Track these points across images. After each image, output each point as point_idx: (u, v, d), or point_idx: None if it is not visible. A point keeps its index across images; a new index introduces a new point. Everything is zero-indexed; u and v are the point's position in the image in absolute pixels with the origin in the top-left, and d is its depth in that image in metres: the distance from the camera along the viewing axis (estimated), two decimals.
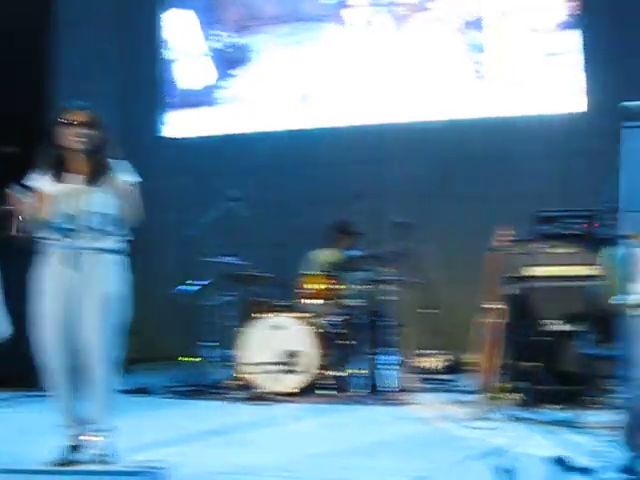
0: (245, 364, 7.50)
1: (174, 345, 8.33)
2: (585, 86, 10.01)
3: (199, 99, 11.58)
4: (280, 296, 8.13)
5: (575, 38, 10.11)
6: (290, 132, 10.91)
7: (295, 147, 10.69)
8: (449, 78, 10.64)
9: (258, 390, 7.24)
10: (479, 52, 10.52)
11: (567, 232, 6.92)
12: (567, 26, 10.16)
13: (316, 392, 7.44)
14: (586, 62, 10.02)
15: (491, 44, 10.45)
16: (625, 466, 4.48)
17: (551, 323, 6.77)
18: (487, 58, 10.46)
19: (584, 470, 4.49)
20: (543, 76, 10.25)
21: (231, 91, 11.44)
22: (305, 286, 8.03)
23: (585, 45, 10.03)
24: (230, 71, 11.46)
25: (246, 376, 7.51)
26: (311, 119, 11.03)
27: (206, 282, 8.09)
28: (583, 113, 9.95)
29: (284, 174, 10.63)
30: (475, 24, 10.52)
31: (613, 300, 4.55)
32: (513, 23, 10.37)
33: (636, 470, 3.60)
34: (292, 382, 7.43)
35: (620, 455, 4.50)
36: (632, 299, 4.40)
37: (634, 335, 4.47)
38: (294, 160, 10.62)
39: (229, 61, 11.49)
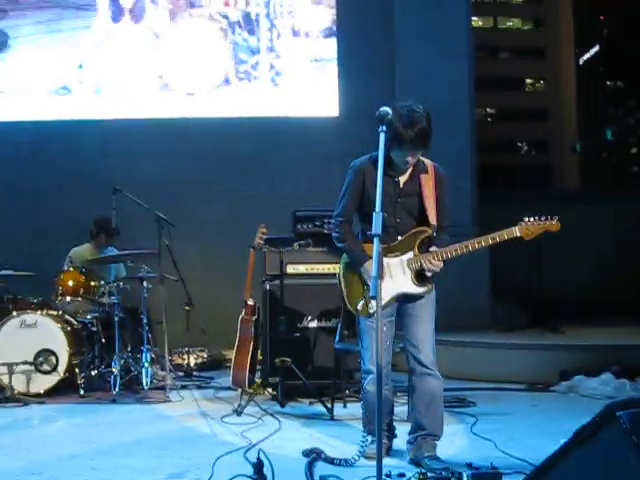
0: None
1: None
2: (338, 92, 10.45)
3: None
4: (36, 293, 7.83)
5: (332, 46, 10.54)
6: (50, 122, 10.53)
7: (51, 138, 10.34)
8: (216, 76, 10.81)
9: (8, 391, 6.92)
10: (246, 52, 10.72)
11: (321, 231, 7.16)
12: (327, 34, 10.59)
13: (68, 392, 7.23)
14: (339, 69, 10.46)
15: (256, 45, 10.69)
16: (364, 452, 4.74)
17: (305, 319, 6.98)
18: (253, 59, 10.67)
19: (335, 461, 4.70)
20: (303, 80, 10.62)
21: None
22: (62, 283, 7.78)
23: (339, 53, 10.48)
24: None
25: None
26: (72, 110, 10.70)
27: None
28: (336, 118, 10.36)
29: (39, 166, 10.27)
30: (244, 25, 10.70)
31: (347, 305, 4.85)
32: (280, 26, 10.68)
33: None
34: (43, 382, 7.17)
35: (363, 442, 4.76)
36: (360, 305, 4.69)
37: (364, 333, 4.80)
38: (50, 152, 10.29)
39: None
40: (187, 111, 10.71)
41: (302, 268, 7.14)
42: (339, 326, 6.06)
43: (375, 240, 3.85)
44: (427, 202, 4.69)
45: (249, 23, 10.88)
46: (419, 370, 4.72)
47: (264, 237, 7.03)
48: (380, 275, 4.56)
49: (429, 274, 4.64)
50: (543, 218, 4.59)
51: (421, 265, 4.62)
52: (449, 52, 9.92)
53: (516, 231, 4.60)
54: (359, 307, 4.74)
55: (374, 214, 3.86)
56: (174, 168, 10.25)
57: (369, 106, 4.68)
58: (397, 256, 4.68)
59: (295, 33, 10.83)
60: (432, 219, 4.68)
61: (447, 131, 9.46)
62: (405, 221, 4.70)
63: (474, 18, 11.30)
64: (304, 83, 10.67)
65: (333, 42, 10.67)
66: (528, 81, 52.52)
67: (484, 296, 9.56)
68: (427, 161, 4.82)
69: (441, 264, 4.61)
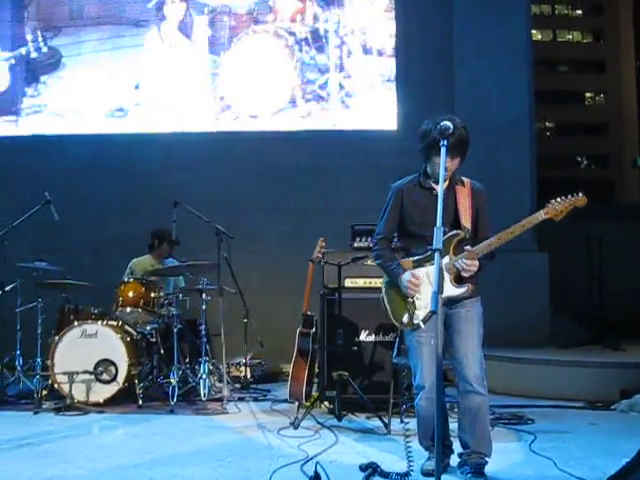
0: (56, 373, 7.27)
1: None
2: (396, 106, 10.44)
3: (4, 107, 11.04)
4: (96, 303, 7.96)
5: (387, 63, 10.53)
6: (108, 136, 10.69)
7: (113, 152, 10.49)
8: (281, 97, 10.71)
9: (68, 400, 7.03)
10: (314, 71, 10.67)
11: None
12: (380, 51, 10.57)
13: (127, 401, 7.31)
14: (398, 83, 10.47)
15: (323, 62, 10.65)
16: (422, 468, 4.74)
17: (363, 333, 6.97)
18: (322, 78, 10.63)
19: (391, 476, 4.68)
20: (367, 96, 10.58)
21: (42, 98, 10.99)
22: (122, 294, 7.89)
23: (398, 66, 10.49)
24: (43, 77, 11.01)
25: (56, 385, 7.28)
26: (131, 124, 10.84)
27: (11, 287, 7.73)
28: (394, 131, 10.36)
29: (101, 180, 10.42)
30: (309, 42, 10.65)
31: (392, 320, 4.83)
32: (348, 44, 10.62)
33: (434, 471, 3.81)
34: (102, 391, 7.27)
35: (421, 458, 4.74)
36: (406, 319, 4.67)
37: (412, 349, 4.78)
38: (112, 165, 10.43)
39: (40, 65, 11.02)
40: (249, 125, 10.73)
41: (360, 282, 7.14)
42: (397, 340, 6.04)
43: (436, 255, 3.88)
44: (461, 209, 4.72)
45: (318, 40, 10.71)
46: (462, 387, 4.68)
47: (323, 250, 7.04)
48: (413, 288, 4.57)
49: (465, 274, 4.60)
50: (569, 196, 4.51)
51: (456, 268, 4.58)
52: (509, 66, 9.86)
53: (542, 214, 4.52)
54: (404, 320, 4.72)
55: (435, 229, 3.92)
56: (233, 181, 10.32)
57: (424, 123, 4.69)
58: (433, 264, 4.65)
59: (367, 51, 10.65)
60: (464, 222, 4.67)
61: (507, 145, 9.43)
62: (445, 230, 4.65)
63: (533, 31, 11.23)
64: (366, 98, 10.63)
65: (386, 60, 10.63)
66: (588, 94, 51.86)
67: (543, 312, 9.44)
68: (465, 178, 4.85)
69: (475, 263, 4.55)
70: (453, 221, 4.70)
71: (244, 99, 10.75)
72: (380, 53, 10.60)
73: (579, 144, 48.93)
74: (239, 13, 10.75)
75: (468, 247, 4.58)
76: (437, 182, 4.56)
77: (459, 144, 4.54)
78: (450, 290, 4.56)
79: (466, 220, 4.67)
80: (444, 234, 4.31)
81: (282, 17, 10.70)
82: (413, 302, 4.66)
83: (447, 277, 4.58)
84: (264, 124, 10.64)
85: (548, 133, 49.26)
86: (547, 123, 49.08)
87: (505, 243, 4.54)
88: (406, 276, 4.66)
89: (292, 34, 10.67)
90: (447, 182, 4.73)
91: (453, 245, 4.64)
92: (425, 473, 4.72)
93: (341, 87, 10.60)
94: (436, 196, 4.27)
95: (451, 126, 4.31)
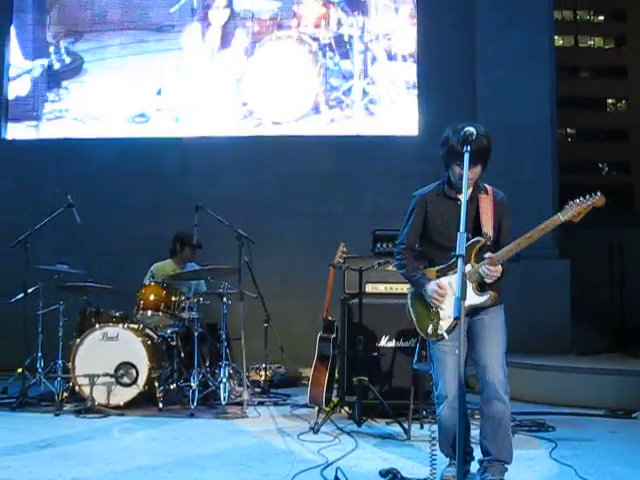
0: (77, 375, 7.31)
1: (10, 356, 8.01)
2: (417, 111, 10.44)
3: (25, 112, 11.15)
4: (117, 306, 7.99)
5: (411, 69, 10.53)
6: (130, 140, 10.75)
7: (135, 156, 10.55)
8: (305, 103, 10.73)
9: (89, 402, 7.06)
10: (338, 77, 10.67)
11: None
12: (405, 57, 10.56)
13: (147, 404, 7.34)
14: (420, 88, 10.47)
15: (347, 68, 10.64)
16: (443, 474, 4.73)
17: (383, 339, 6.97)
18: (346, 85, 10.62)
19: None
20: (390, 102, 10.59)
21: (64, 103, 11.09)
22: (143, 297, 7.92)
23: (419, 72, 10.49)
24: (65, 82, 11.11)
25: (77, 388, 7.32)
26: (152, 130, 10.89)
27: (33, 290, 7.77)
28: (415, 137, 10.37)
29: (122, 183, 10.48)
30: (333, 47, 10.64)
31: (418, 331, 4.81)
32: (372, 50, 10.61)
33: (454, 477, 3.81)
34: (123, 394, 7.30)
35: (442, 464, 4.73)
36: (430, 329, 4.65)
37: (436, 359, 4.77)
38: (134, 169, 10.49)
39: (62, 70, 11.14)
40: (267, 130, 10.76)
41: (381, 287, 7.14)
42: (417, 346, 6.03)
43: (459, 261, 3.87)
44: (483, 217, 4.67)
45: (342, 46, 10.70)
46: (485, 394, 4.65)
47: (344, 256, 7.04)
48: (438, 299, 4.56)
49: (489, 281, 4.57)
50: (587, 196, 4.48)
51: (479, 274, 4.56)
52: (531, 72, 9.84)
53: (560, 217, 4.49)
54: (429, 331, 4.70)
55: (458, 234, 3.90)
56: (254, 185, 10.35)
57: (449, 125, 4.67)
58: (457, 272, 4.63)
59: (391, 57, 10.66)
60: (486, 229, 4.63)
61: (529, 151, 9.40)
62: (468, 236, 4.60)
63: (555, 37, 11.21)
64: (389, 104, 10.63)
65: (407, 66, 10.62)
66: (609, 101, 51.62)
67: (565, 319, 9.40)
68: (488, 186, 4.80)
69: (499, 268, 4.52)
70: (474, 229, 4.67)
71: (267, 105, 10.80)
72: (404, 59, 10.59)
73: (600, 150, 48.70)
74: (262, 18, 10.78)
75: (489, 254, 4.56)
76: (460, 192, 4.52)
77: (480, 152, 4.49)
78: (473, 299, 4.52)
79: (488, 227, 4.64)
80: (467, 241, 4.29)
81: (306, 22, 10.70)
82: (437, 312, 4.64)
83: (469, 285, 4.52)
84: (287, 131, 10.66)
85: (569, 139, 49.05)
86: (568, 129, 48.88)
87: (525, 248, 4.51)
88: (431, 286, 4.63)
89: (316, 40, 10.67)
90: (470, 191, 4.71)
91: (475, 252, 4.62)
92: None
93: (365, 93, 10.60)
94: (460, 206, 4.22)
95: (474, 132, 4.28)
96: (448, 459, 4.85)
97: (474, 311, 4.62)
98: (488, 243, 4.63)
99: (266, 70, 10.76)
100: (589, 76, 50.44)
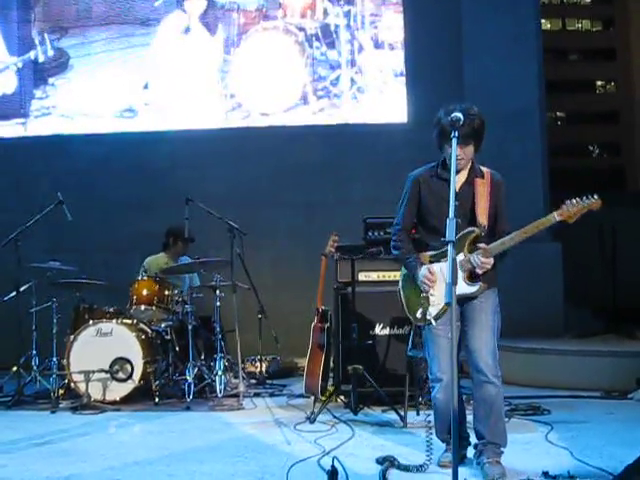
0: (72, 372, 7.30)
1: (4, 354, 8.00)
2: (406, 98, 10.43)
3: (12, 109, 11.09)
4: (111, 302, 7.99)
5: (399, 56, 10.51)
6: (119, 135, 10.72)
7: (123, 151, 10.52)
8: (293, 94, 10.69)
9: (85, 398, 7.06)
10: (322, 64, 10.64)
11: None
12: (392, 45, 10.53)
13: (143, 399, 7.35)
14: (407, 76, 10.46)
15: (334, 57, 10.62)
16: (439, 460, 4.75)
17: (377, 327, 6.98)
18: (334, 75, 10.60)
19: (408, 468, 4.69)
20: (376, 89, 10.57)
21: (51, 100, 11.04)
22: (136, 292, 7.91)
23: (407, 59, 10.47)
24: (51, 79, 11.04)
25: (73, 384, 7.32)
26: (140, 124, 10.85)
27: (26, 288, 7.75)
28: (404, 124, 10.36)
29: (112, 178, 10.46)
30: (319, 37, 10.60)
31: (407, 314, 4.83)
32: (359, 39, 10.58)
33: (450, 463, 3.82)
34: (118, 390, 7.30)
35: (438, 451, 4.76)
36: (419, 314, 4.66)
37: (429, 341, 4.79)
38: (123, 164, 10.47)
39: (48, 67, 11.06)
40: (255, 121, 10.73)
41: (374, 275, 7.15)
42: (411, 333, 6.04)
43: (449, 247, 3.89)
44: (478, 204, 4.65)
45: (328, 35, 10.63)
46: (477, 378, 4.66)
47: (335, 245, 7.04)
48: (428, 284, 4.56)
49: (479, 271, 4.58)
50: (584, 198, 4.47)
51: (471, 264, 4.56)
52: (518, 55, 9.83)
53: (555, 217, 4.47)
54: (418, 316, 4.71)
55: (447, 220, 3.90)
56: (244, 176, 10.33)
57: (438, 111, 4.67)
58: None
59: (378, 45, 10.58)
60: (481, 219, 4.62)
61: (518, 135, 9.40)
62: (460, 225, 4.59)
63: (542, 21, 11.18)
64: (377, 92, 10.61)
65: (394, 53, 10.60)
66: (598, 83, 51.65)
67: (557, 302, 9.42)
68: (484, 168, 4.79)
69: (490, 260, 4.53)
70: (470, 215, 4.66)
71: (254, 97, 10.75)
72: (392, 47, 10.55)
73: (590, 133, 48.76)
74: (248, 10, 10.73)
75: (483, 244, 4.56)
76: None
77: (471, 132, 4.48)
78: (463, 288, 4.53)
79: (482, 216, 4.63)
80: (459, 229, 4.27)
81: (292, 13, 10.63)
82: (427, 298, 4.64)
83: (460, 275, 4.53)
84: (275, 122, 10.63)
85: (559, 122, 49.09)
86: (558, 112, 48.91)
87: (518, 243, 4.51)
88: (423, 271, 4.64)
89: (302, 30, 10.61)
90: (466, 173, 4.70)
91: (468, 242, 4.61)
92: (442, 465, 4.72)
93: (352, 82, 10.57)
94: None
95: (461, 117, 4.26)
96: (444, 445, 4.86)
97: (463, 300, 4.62)
98: (482, 234, 4.62)
99: (253, 61, 10.71)
100: (577, 59, 50.46)
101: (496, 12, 9.88)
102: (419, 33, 10.39)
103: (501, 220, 4.74)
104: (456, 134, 4.22)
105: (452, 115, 4.29)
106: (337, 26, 10.60)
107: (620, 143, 49.15)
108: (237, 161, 10.39)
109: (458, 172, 4.51)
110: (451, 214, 3.94)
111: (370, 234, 7.32)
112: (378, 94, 10.56)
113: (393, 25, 10.55)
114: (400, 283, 4.89)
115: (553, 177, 10.44)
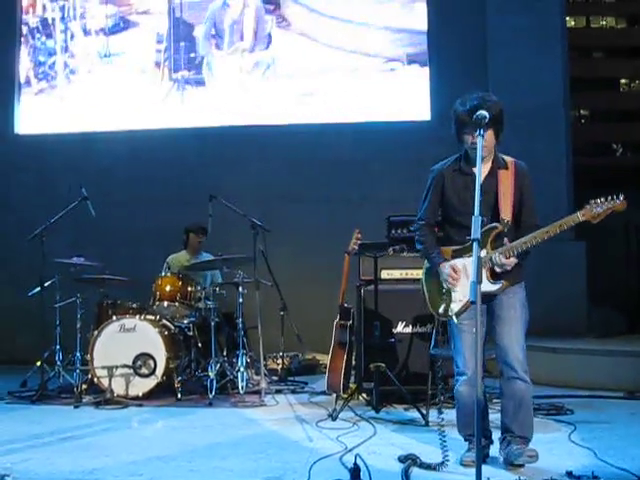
0: (95, 367, 7.34)
1: (28, 349, 8.07)
2: (429, 96, 10.41)
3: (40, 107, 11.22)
4: (134, 298, 8.02)
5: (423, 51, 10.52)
6: (143, 132, 10.75)
7: (147, 147, 10.55)
8: (307, 82, 10.74)
9: (108, 393, 7.10)
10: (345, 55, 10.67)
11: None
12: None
13: (165, 395, 7.38)
14: (431, 73, 10.43)
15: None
16: (462, 459, 4.73)
17: (400, 324, 6.96)
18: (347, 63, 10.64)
19: (431, 467, 4.67)
20: (391, 85, 10.56)
21: (77, 97, 11.16)
22: (159, 288, 7.95)
23: (430, 56, 10.45)
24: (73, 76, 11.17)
25: (96, 379, 7.36)
26: (167, 120, 10.90)
27: (50, 283, 7.80)
28: (428, 121, 10.33)
29: (137, 175, 10.49)
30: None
31: (429, 308, 4.84)
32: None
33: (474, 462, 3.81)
34: (141, 385, 7.34)
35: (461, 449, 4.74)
36: (442, 310, 4.68)
37: (455, 336, 4.79)
38: (148, 161, 10.49)
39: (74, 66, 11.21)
40: (279, 118, 10.75)
41: (397, 273, 7.14)
42: (434, 332, 6.03)
43: (474, 245, 3.85)
44: (502, 198, 4.63)
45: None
46: (506, 373, 4.66)
47: (359, 242, 7.04)
48: (452, 282, 4.55)
49: (499, 270, 4.55)
50: (609, 198, 4.42)
51: (492, 263, 4.54)
52: (543, 53, 9.78)
53: (579, 216, 4.44)
54: (440, 311, 4.71)
55: (473, 218, 3.88)
56: (268, 174, 10.33)
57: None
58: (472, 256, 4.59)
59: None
60: (504, 214, 4.59)
61: (542, 133, 9.35)
62: (483, 220, 4.54)
63: (566, 18, 11.10)
64: (397, 87, 10.60)
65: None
66: (623, 81, 51.26)
67: (581, 301, 9.36)
68: (508, 158, 4.75)
69: (511, 261, 4.51)
70: (493, 209, 4.63)
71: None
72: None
73: (614, 131, 48.37)
74: None
75: (506, 240, 4.54)
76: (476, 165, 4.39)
77: (491, 118, 4.35)
78: (485, 286, 4.43)
79: (506, 211, 4.59)
80: (483, 225, 4.23)
81: None
82: (450, 294, 4.64)
83: (483, 272, 4.45)
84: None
85: (583, 121, 48.76)
86: (582, 111, 48.58)
87: (541, 242, 4.48)
88: (446, 270, 4.62)
89: None
90: (489, 165, 4.67)
91: (491, 238, 4.60)
92: (465, 464, 4.70)
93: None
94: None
95: (487, 115, 4.24)
96: (467, 444, 4.84)
97: (488, 296, 4.59)
98: (505, 230, 4.60)
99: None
100: (602, 56, 50.06)
101: (521, 9, 9.88)
102: (442, 27, 10.36)
103: (527, 212, 4.69)
104: (481, 132, 4.19)
105: (478, 114, 4.25)
106: None
107: None
108: (261, 157, 10.39)
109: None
110: (476, 212, 3.91)
111: (393, 232, 7.32)
112: (402, 92, 10.54)
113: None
114: (423, 277, 4.88)
115: (576, 175, 10.38)
